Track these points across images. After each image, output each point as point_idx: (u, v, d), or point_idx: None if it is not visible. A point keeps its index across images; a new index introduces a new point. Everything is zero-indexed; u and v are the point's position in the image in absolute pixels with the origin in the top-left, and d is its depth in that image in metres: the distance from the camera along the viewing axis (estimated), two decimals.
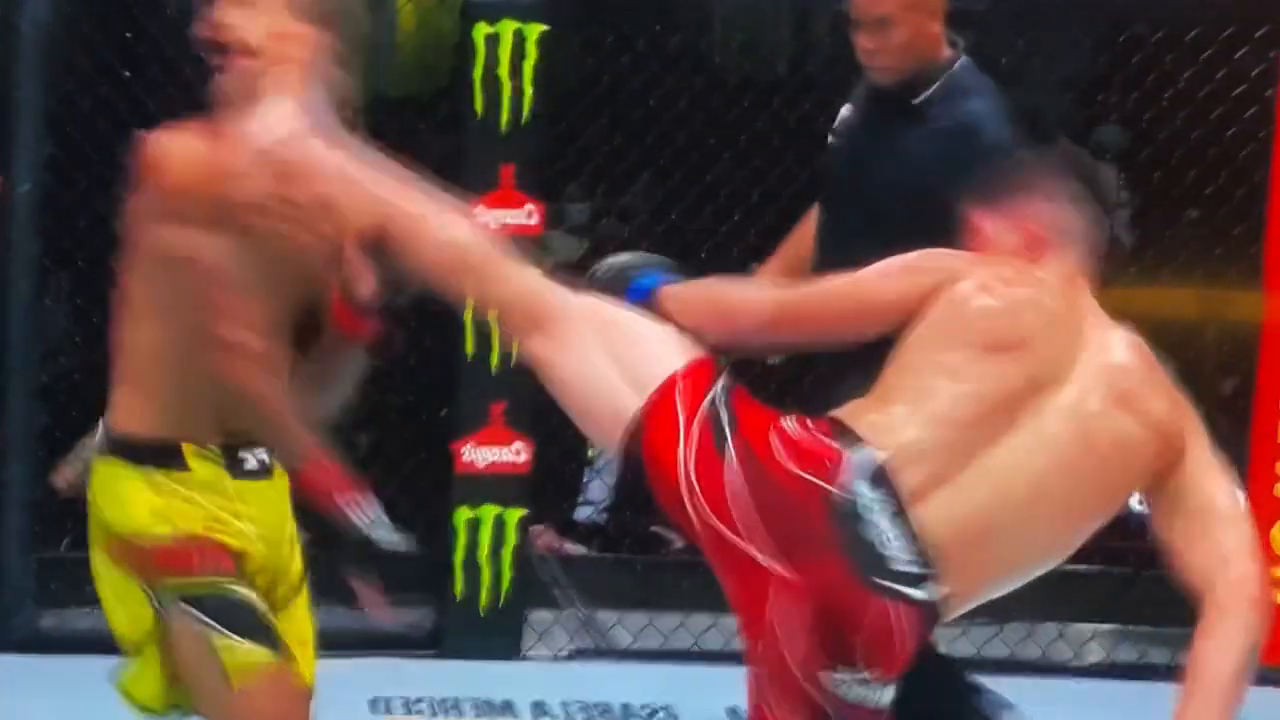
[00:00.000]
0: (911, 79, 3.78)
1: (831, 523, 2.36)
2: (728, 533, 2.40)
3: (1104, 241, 2.77)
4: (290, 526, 3.01)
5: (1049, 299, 2.61)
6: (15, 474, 5.01)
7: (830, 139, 4.00)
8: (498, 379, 4.93)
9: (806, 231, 4.09)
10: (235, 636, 2.82)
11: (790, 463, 2.40)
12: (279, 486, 2.95)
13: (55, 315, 5.36)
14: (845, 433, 2.43)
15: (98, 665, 4.70)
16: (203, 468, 2.86)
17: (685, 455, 2.44)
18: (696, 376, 2.49)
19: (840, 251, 3.76)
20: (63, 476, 5.41)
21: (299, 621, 2.98)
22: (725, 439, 2.42)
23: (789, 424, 2.45)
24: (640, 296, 2.71)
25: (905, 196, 3.62)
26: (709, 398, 2.47)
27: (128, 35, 5.24)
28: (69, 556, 5.09)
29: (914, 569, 2.35)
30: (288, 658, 2.86)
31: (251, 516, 2.89)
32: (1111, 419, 2.51)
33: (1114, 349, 2.59)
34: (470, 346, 4.90)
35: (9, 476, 4.98)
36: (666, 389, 2.47)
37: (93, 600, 5.14)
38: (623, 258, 2.81)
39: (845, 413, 2.50)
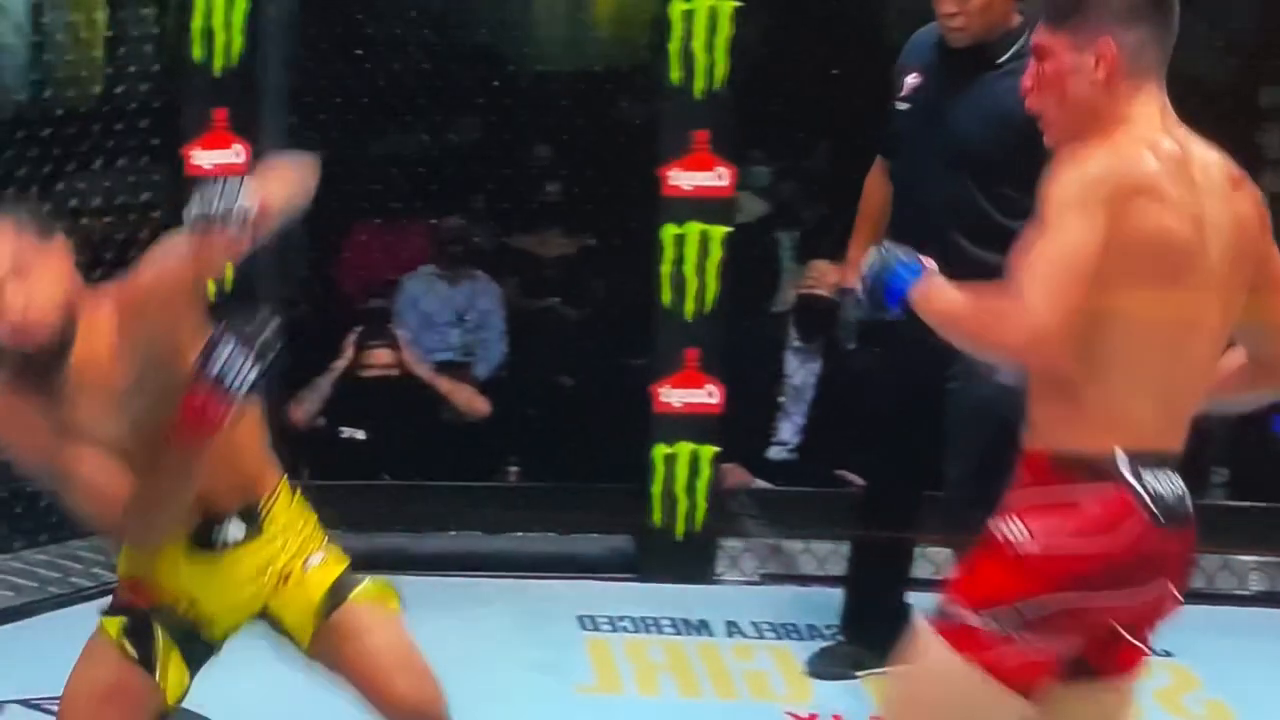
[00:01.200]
0: (984, 42, 4.03)
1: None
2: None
3: None
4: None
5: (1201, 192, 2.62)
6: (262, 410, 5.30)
7: (901, 105, 4.18)
8: (691, 327, 5.04)
9: (876, 196, 4.29)
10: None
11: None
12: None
13: (296, 268, 5.60)
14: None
15: None
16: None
17: None
18: None
19: (929, 206, 4.04)
20: (300, 411, 5.71)
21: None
22: None
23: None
24: (896, 295, 2.67)
25: (1004, 147, 3.83)
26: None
27: (359, 17, 5.50)
28: (307, 484, 5.47)
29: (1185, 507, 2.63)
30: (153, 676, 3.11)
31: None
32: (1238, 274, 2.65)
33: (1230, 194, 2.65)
34: (667, 298, 5.02)
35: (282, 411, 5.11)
36: None
37: (329, 524, 5.42)
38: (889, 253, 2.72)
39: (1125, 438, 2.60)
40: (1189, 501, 2.64)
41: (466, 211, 6.19)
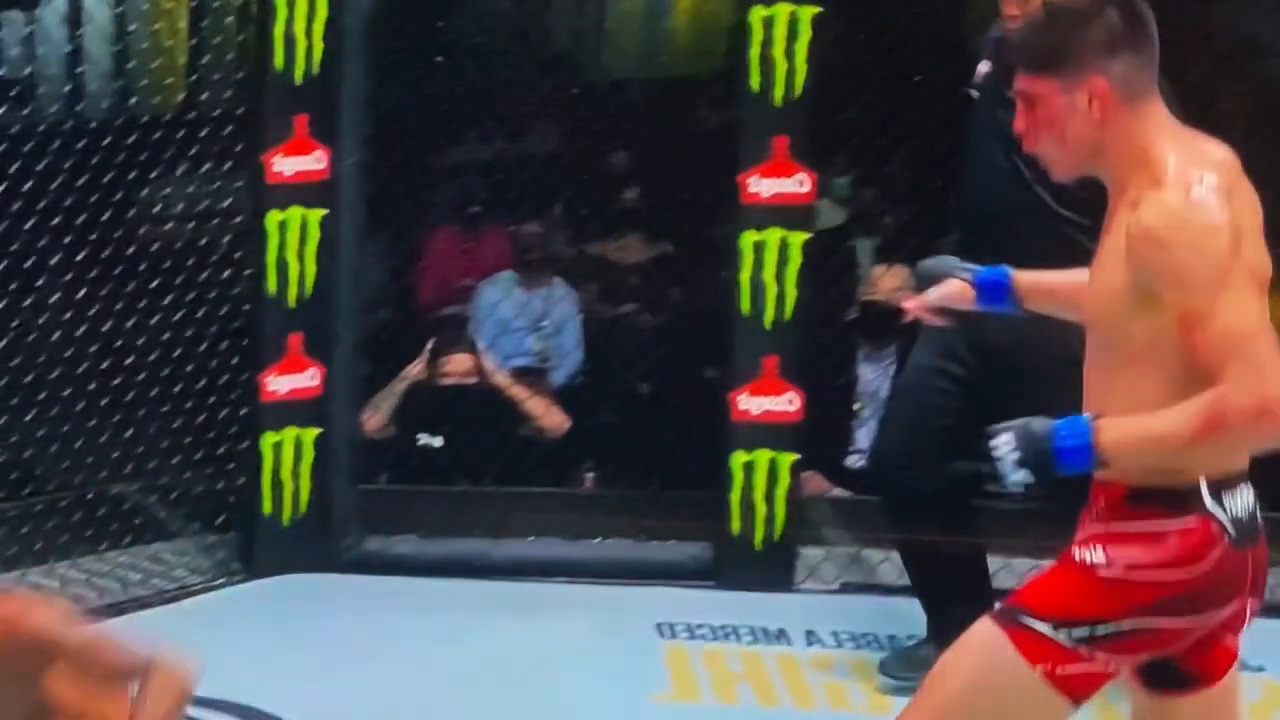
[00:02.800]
0: None
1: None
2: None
3: None
4: None
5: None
6: (342, 416, 5.21)
7: (973, 93, 4.19)
8: (770, 335, 4.99)
9: None
10: None
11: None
12: None
13: (373, 274, 5.57)
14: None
15: (413, 585, 5.01)
16: None
17: None
18: None
19: (988, 190, 4.09)
20: (372, 420, 5.69)
21: None
22: None
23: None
24: (1078, 457, 2.61)
25: None
26: None
27: (438, 25, 5.47)
28: (387, 489, 5.44)
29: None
30: None
31: None
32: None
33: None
34: (746, 306, 4.96)
35: (337, 419, 5.18)
36: None
37: (408, 528, 5.42)
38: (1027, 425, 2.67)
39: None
40: (1259, 515, 2.67)
41: (544, 218, 6.17)
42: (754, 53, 4.94)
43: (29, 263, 5.01)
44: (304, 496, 5.12)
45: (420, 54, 5.52)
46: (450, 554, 5.17)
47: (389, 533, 5.19)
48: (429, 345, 5.63)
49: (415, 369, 5.60)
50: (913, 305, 3.07)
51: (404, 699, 4.29)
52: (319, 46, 4.95)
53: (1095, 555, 2.61)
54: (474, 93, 5.91)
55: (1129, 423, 2.59)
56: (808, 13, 4.89)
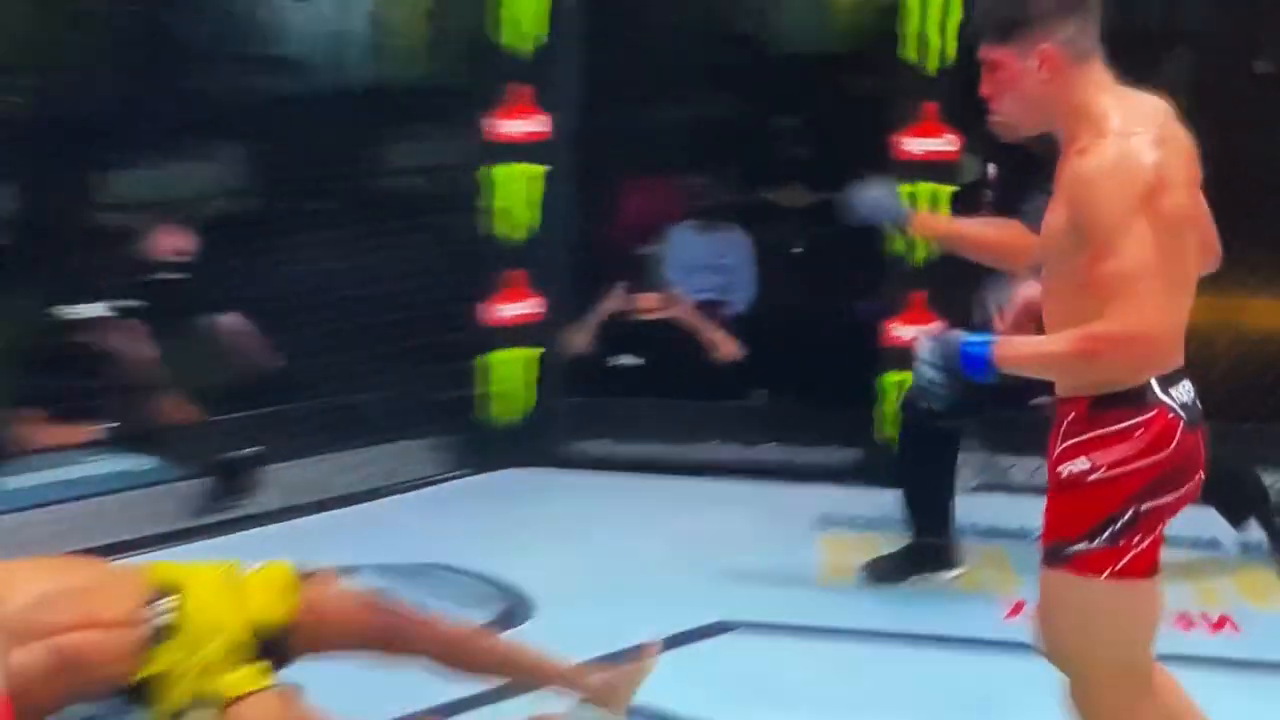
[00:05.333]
0: None
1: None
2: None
3: None
4: None
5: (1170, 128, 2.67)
6: (556, 339, 5.51)
7: None
8: (920, 272, 5.15)
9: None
10: None
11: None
12: None
13: (582, 219, 5.74)
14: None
15: (611, 479, 5.27)
16: None
17: None
18: None
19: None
20: (574, 342, 6.00)
21: None
22: None
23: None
24: (979, 364, 2.63)
25: None
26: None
27: (640, 8, 5.69)
28: (592, 400, 5.62)
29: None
30: None
31: None
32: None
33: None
34: (899, 246, 5.11)
35: (552, 341, 5.47)
36: None
37: (608, 433, 5.64)
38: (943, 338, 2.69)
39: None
40: (1198, 403, 2.71)
41: (724, 172, 6.30)
42: (910, 28, 5.10)
43: (302, 207, 5.25)
44: (524, 405, 5.42)
45: (624, 33, 5.63)
46: (643, 455, 5.40)
47: (593, 436, 5.46)
48: (624, 283, 5.87)
49: (613, 302, 5.88)
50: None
51: (602, 571, 4.44)
52: (541, 25, 5.19)
53: (1079, 465, 2.63)
54: (669, 65, 6.01)
55: (1024, 342, 2.69)
56: None
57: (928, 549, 4.42)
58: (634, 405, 5.59)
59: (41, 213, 5.47)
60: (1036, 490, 4.72)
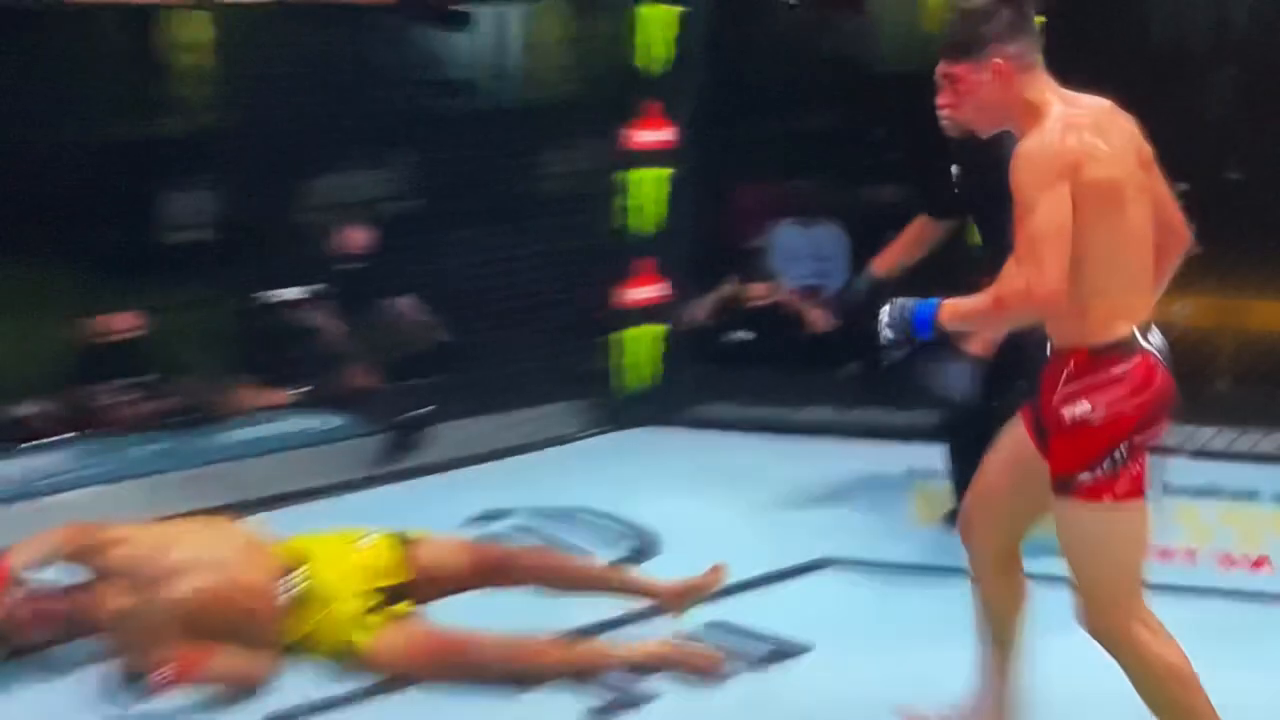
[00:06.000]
0: None
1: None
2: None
3: None
4: None
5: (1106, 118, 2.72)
6: (679, 318, 5.50)
7: None
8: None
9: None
10: None
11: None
12: None
13: (702, 216, 5.68)
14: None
15: (730, 438, 5.25)
16: None
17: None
18: None
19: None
20: (694, 313, 6.00)
21: None
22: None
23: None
24: (925, 324, 2.70)
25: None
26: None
27: (750, 38, 5.68)
28: (712, 369, 5.61)
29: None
30: None
31: None
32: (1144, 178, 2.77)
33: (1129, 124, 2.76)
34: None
35: (676, 319, 5.44)
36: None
37: (726, 398, 5.60)
38: (900, 302, 2.75)
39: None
40: (1168, 348, 2.78)
41: (823, 175, 6.27)
42: None
43: (466, 208, 5.29)
44: (652, 373, 5.43)
45: (738, 56, 5.69)
46: (754, 417, 5.38)
47: (711, 400, 5.46)
48: (737, 275, 5.89)
49: (728, 289, 5.90)
50: None
51: (719, 514, 4.45)
52: (669, 49, 5.18)
53: (1081, 407, 2.69)
54: (777, 83, 6.01)
55: (961, 302, 2.72)
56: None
57: None
58: (747, 374, 5.61)
59: (253, 213, 5.62)
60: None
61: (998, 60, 2.71)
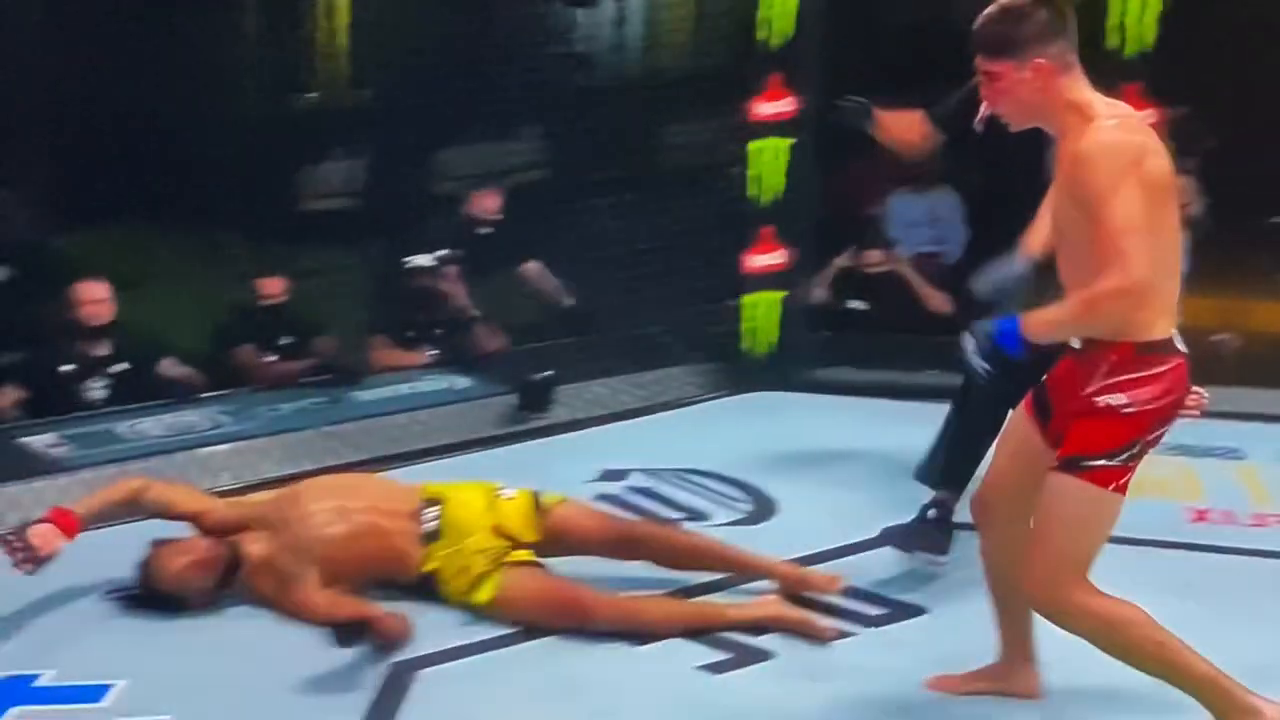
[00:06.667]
0: None
1: None
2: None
3: None
4: None
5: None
6: (800, 284, 5.52)
7: None
8: None
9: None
10: None
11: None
12: None
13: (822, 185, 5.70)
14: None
15: (845, 401, 5.23)
16: None
17: None
18: None
19: None
20: (818, 289, 5.99)
21: None
22: None
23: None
24: (1013, 341, 2.71)
25: None
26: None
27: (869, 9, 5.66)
28: (828, 335, 5.62)
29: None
30: None
31: None
32: None
33: None
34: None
35: (797, 285, 5.45)
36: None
37: (842, 362, 5.58)
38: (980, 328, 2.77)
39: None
40: None
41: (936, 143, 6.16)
42: (1112, 21, 4.98)
43: (598, 177, 5.44)
44: (772, 338, 5.45)
45: (856, 30, 5.62)
46: (870, 380, 5.37)
47: (828, 365, 5.46)
48: (854, 245, 5.87)
49: (845, 257, 5.88)
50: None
51: (834, 476, 4.47)
52: (789, 23, 5.19)
53: (1117, 399, 2.73)
54: (893, 56, 5.79)
55: (1045, 312, 2.75)
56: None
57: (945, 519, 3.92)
58: (862, 340, 5.61)
59: (391, 183, 5.77)
60: (1218, 415, 4.65)
61: (1040, 60, 2.70)
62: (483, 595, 3.49)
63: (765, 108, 5.28)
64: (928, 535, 3.87)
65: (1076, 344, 2.81)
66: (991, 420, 3.58)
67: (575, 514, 3.67)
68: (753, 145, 5.30)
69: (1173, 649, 2.87)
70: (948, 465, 3.96)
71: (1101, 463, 2.75)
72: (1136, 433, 2.75)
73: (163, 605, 3.54)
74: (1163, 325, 2.75)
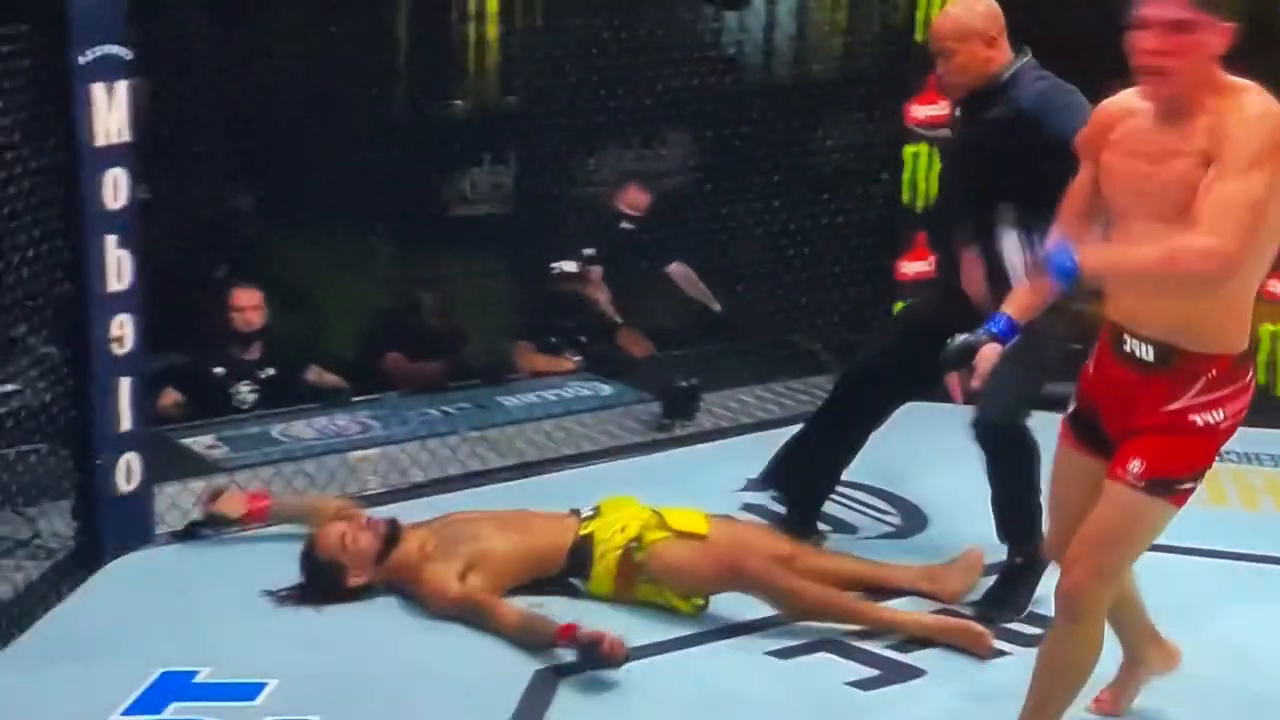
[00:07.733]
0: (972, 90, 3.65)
1: None
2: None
3: None
4: None
5: None
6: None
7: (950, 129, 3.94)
8: None
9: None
10: None
11: None
12: None
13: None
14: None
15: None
16: None
17: None
18: None
19: (956, 197, 3.78)
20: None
21: None
22: None
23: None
24: (1067, 274, 2.54)
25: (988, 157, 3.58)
26: None
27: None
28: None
29: None
30: None
31: None
32: None
33: None
34: None
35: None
36: None
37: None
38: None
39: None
40: None
41: None
42: None
43: (748, 181, 5.39)
44: None
45: (1014, 31, 5.50)
46: None
47: None
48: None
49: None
50: (976, 384, 2.83)
51: (984, 493, 4.05)
52: None
53: (1215, 416, 2.60)
54: (1056, 55, 5.82)
55: (1111, 249, 2.59)
56: None
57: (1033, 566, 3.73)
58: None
59: (539, 189, 5.83)
60: None
61: (1230, 28, 2.52)
62: (640, 537, 3.54)
63: (919, 111, 5.20)
64: (1012, 598, 3.71)
65: (1149, 357, 2.64)
66: (1030, 469, 3.56)
67: (685, 552, 3.63)
68: (908, 149, 5.25)
69: (1073, 691, 2.83)
70: (1020, 523, 3.76)
71: (1188, 485, 2.64)
72: (1218, 446, 2.67)
73: (323, 582, 3.58)
74: (1247, 332, 2.65)
